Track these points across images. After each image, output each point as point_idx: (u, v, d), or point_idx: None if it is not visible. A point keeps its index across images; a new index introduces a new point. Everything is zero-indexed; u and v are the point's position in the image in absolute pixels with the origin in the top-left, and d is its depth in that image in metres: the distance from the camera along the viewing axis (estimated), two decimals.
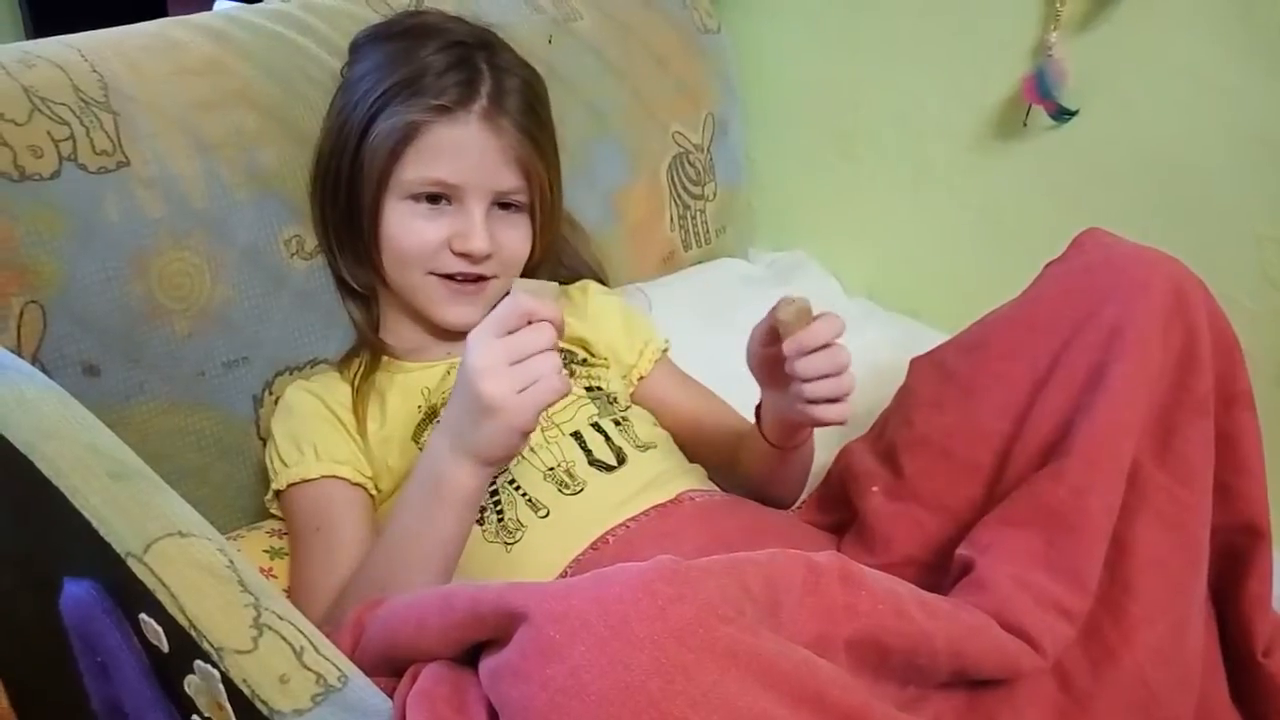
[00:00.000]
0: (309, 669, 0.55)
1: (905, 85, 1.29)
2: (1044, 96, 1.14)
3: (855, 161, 1.37)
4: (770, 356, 0.82)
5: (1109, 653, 0.73)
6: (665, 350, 1.07)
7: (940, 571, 0.80)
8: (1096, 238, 0.86)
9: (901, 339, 1.17)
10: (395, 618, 0.64)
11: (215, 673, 0.55)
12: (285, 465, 0.90)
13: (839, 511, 0.93)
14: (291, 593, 0.87)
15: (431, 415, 0.93)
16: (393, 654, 0.63)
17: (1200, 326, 0.78)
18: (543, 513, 0.86)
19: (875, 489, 0.88)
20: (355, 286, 0.99)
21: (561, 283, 1.05)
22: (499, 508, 0.86)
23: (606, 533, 0.84)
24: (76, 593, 0.63)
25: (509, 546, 0.84)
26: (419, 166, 0.91)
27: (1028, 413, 0.80)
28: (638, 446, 0.92)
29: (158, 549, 0.58)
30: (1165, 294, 0.77)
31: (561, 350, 0.82)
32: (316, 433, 0.91)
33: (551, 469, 0.88)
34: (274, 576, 0.91)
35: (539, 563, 0.83)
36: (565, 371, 0.73)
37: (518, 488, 0.87)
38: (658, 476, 0.90)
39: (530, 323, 0.72)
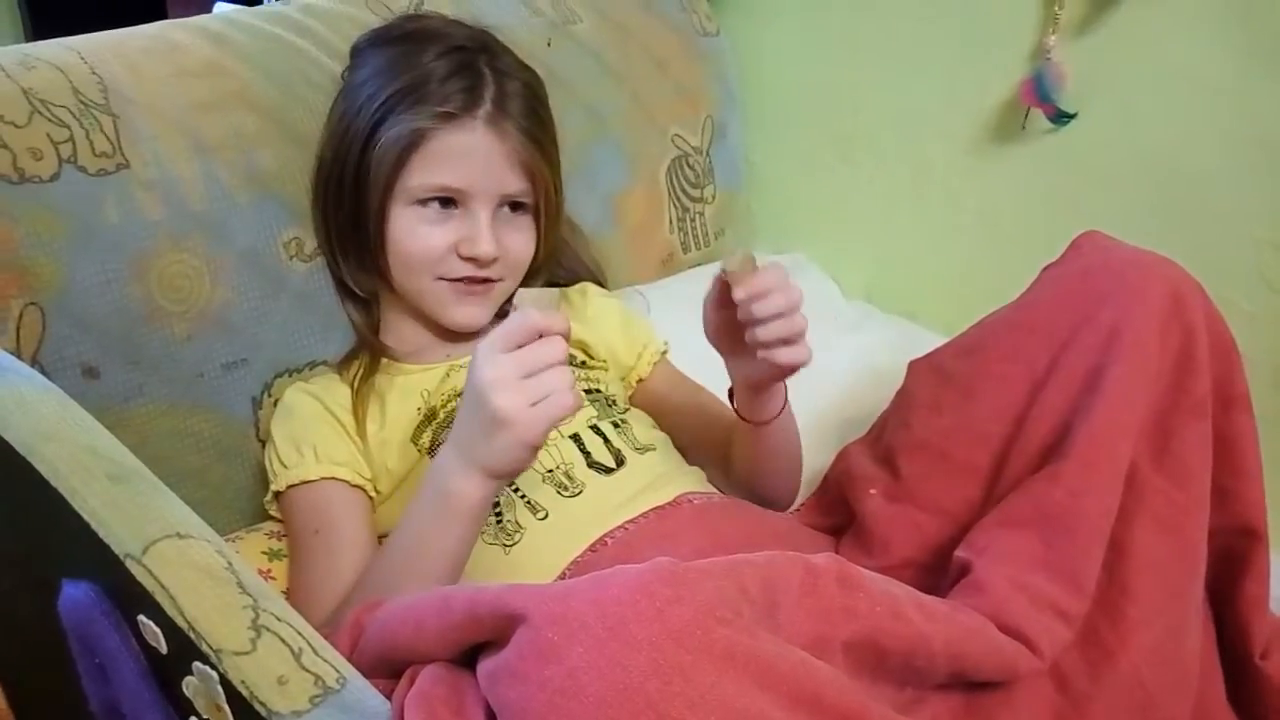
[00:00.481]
0: (307, 670, 0.55)
1: (904, 88, 1.29)
2: (1043, 100, 1.14)
3: (854, 164, 1.37)
4: (727, 319, 0.82)
5: (1106, 654, 0.73)
6: (664, 352, 1.07)
7: (938, 573, 0.80)
8: (1095, 241, 0.86)
9: (900, 341, 1.17)
10: (393, 619, 0.64)
11: (214, 674, 0.55)
12: (284, 467, 0.90)
13: (837, 514, 0.93)
14: (290, 594, 0.88)
15: (430, 417, 0.93)
16: (391, 655, 0.63)
17: (1198, 329, 0.78)
18: (541, 515, 0.86)
19: (873, 491, 0.88)
20: (356, 291, 0.99)
21: (560, 285, 1.06)
22: (498, 510, 0.86)
23: (605, 535, 0.84)
24: (75, 594, 0.63)
25: (508, 548, 0.84)
26: (425, 173, 0.91)
27: (1026, 415, 0.80)
28: (636, 449, 0.93)
29: (156, 550, 0.59)
30: (1163, 297, 0.78)
31: None
32: (316, 434, 0.91)
33: (550, 471, 0.88)
34: (272, 578, 0.91)
35: (537, 564, 0.83)
36: (578, 388, 0.73)
37: (516, 490, 0.87)
38: (656, 479, 0.90)
39: (541, 335, 0.71)
